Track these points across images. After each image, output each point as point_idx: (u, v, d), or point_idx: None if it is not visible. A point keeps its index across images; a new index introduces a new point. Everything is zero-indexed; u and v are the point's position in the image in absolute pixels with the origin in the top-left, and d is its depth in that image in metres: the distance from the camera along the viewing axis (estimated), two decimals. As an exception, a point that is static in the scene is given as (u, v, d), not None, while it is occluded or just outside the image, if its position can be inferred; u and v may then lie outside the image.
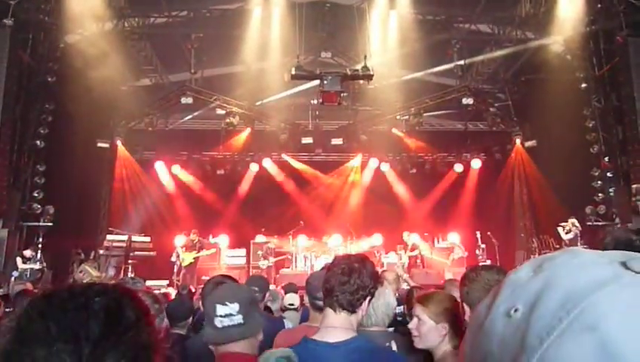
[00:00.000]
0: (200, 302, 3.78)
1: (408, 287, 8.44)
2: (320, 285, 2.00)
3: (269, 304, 4.33)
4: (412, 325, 2.21)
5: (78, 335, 0.73)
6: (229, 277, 3.26)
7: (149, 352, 0.79)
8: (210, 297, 1.99)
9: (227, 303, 1.88)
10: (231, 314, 1.87)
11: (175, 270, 12.61)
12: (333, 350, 1.78)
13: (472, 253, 13.34)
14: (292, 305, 4.26)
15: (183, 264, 12.47)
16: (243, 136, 14.92)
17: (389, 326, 2.66)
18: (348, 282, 1.87)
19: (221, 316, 1.87)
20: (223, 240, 14.16)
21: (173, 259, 12.73)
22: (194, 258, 12.58)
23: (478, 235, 13.29)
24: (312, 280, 2.74)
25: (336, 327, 1.86)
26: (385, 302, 2.56)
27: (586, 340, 0.38)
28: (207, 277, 12.70)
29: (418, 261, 13.11)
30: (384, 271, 7.06)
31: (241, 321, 1.87)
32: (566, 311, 0.39)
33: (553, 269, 0.43)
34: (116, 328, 0.76)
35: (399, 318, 4.30)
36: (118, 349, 0.75)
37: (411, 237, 13.16)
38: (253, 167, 15.50)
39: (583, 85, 12.81)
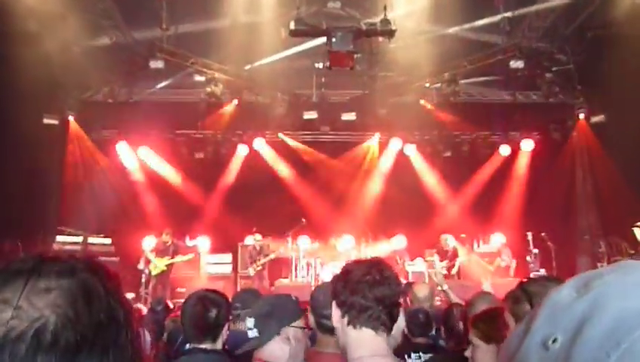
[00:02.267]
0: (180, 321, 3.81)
1: (439, 301, 8.44)
2: (329, 301, 2.06)
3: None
4: (468, 353, 2.29)
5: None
6: (215, 291, 3.33)
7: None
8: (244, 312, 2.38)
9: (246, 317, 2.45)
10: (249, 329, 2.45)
11: (143, 280, 12.77)
12: None
13: (522, 259, 13.42)
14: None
15: (153, 272, 12.61)
16: (228, 109, 14.93)
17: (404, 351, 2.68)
18: (386, 290, 1.92)
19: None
20: (203, 242, 14.34)
21: (141, 266, 12.88)
22: (167, 265, 12.74)
23: (530, 237, 13.34)
24: (318, 295, 2.80)
25: (386, 357, 1.91)
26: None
27: None
28: (183, 289, 12.83)
29: (453, 271, 13.26)
30: (411, 283, 7.03)
31: (256, 335, 2.44)
32: (615, 343, 0.39)
33: (601, 289, 0.43)
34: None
35: (434, 341, 4.42)
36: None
37: (450, 241, 13.27)
38: (242, 150, 15.58)
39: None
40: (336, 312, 1.97)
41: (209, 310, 2.99)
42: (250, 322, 2.62)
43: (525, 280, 2.30)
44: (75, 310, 0.87)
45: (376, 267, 1.99)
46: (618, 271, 0.44)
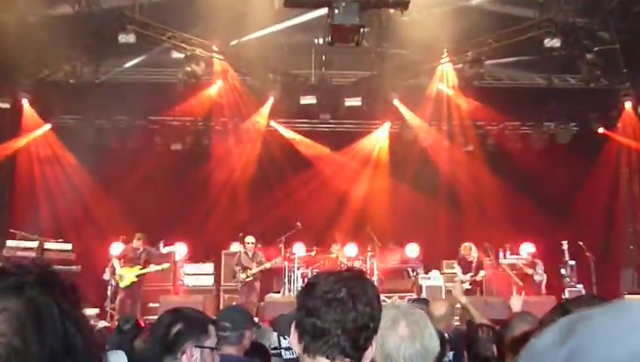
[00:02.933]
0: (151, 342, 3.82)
1: (457, 320, 8.27)
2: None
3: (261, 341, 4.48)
4: None
5: None
6: (194, 311, 3.28)
7: None
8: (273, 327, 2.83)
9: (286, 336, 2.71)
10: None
11: (109, 293, 12.80)
12: None
13: (555, 272, 13.50)
14: (288, 349, 4.24)
15: (122, 284, 12.63)
16: (211, 92, 14.89)
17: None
18: (351, 311, 1.92)
19: (285, 348, 2.85)
20: (180, 249, 14.32)
21: (107, 276, 12.90)
22: (137, 276, 12.76)
23: (565, 246, 13.46)
24: (283, 323, 3.08)
25: None
26: (423, 348, 2.45)
27: None
28: (156, 304, 12.76)
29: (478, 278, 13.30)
30: (424, 299, 7.19)
31: None
32: None
33: (586, 335, 0.46)
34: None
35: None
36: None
37: (473, 251, 13.34)
38: (227, 141, 15.65)
39: None
40: (295, 336, 1.98)
41: (172, 325, 2.98)
42: None
43: (566, 299, 2.39)
44: (23, 338, 0.87)
45: (345, 281, 1.96)
46: (609, 313, 0.46)
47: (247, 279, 13.02)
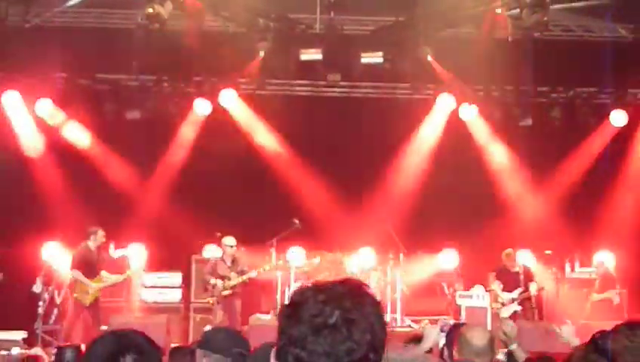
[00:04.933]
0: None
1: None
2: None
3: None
4: None
5: None
6: (142, 335, 3.20)
7: None
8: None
9: None
10: None
11: (40, 310, 12.88)
12: None
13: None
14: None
15: (86, 301, 12.92)
16: (181, 42, 14.43)
17: None
18: (345, 341, 1.92)
19: None
20: (136, 253, 14.42)
21: (38, 288, 12.97)
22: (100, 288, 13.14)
23: None
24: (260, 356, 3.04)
25: None
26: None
27: None
28: (105, 327, 12.81)
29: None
30: (460, 324, 6.97)
31: None
32: None
33: None
34: None
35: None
36: None
37: (519, 259, 13.48)
38: (201, 107, 15.57)
39: None
40: None
41: (123, 355, 2.93)
42: None
43: (601, 332, 2.36)
44: None
45: (338, 301, 1.96)
46: None
47: (225, 293, 13.02)
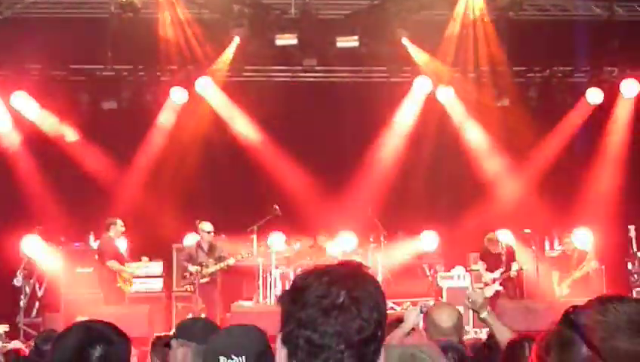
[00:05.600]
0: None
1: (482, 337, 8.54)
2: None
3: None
4: None
5: None
6: (110, 325, 3.26)
7: None
8: (213, 345, 3.22)
9: (233, 357, 3.07)
10: None
11: (22, 303, 12.93)
12: None
13: (619, 267, 13.73)
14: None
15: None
16: (155, 31, 14.67)
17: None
18: (355, 320, 1.95)
19: None
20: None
21: (19, 281, 12.92)
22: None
23: (633, 233, 13.61)
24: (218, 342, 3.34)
25: None
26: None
27: None
28: (85, 318, 12.93)
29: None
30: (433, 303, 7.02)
31: None
32: None
33: None
34: None
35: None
36: None
37: (502, 239, 13.50)
38: (177, 95, 15.50)
39: None
40: (281, 353, 2.02)
41: (92, 346, 2.99)
42: None
43: (573, 307, 2.33)
44: None
45: (343, 281, 1.99)
46: None
47: (203, 281, 12.88)
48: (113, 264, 12.97)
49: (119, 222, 13.26)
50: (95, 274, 13.34)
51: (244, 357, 3.09)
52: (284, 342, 2.01)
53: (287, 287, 2.09)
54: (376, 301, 1.99)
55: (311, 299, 1.96)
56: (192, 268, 12.95)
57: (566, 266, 13.84)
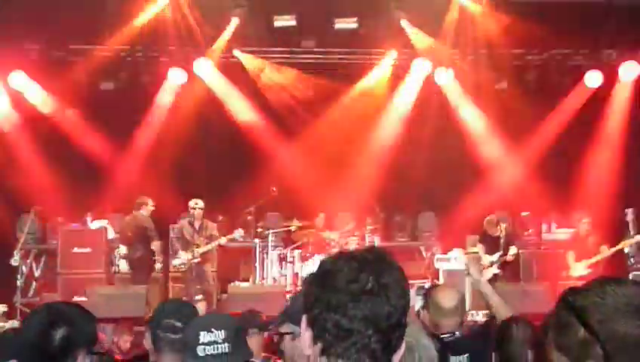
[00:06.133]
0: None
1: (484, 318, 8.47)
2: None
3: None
4: None
5: None
6: (76, 306, 3.38)
7: None
8: (193, 323, 3.43)
9: (213, 330, 3.27)
10: (216, 342, 3.26)
11: (19, 283, 12.98)
12: None
13: (616, 252, 13.50)
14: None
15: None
16: (153, 11, 14.64)
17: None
18: (385, 306, 1.99)
19: (204, 343, 3.25)
20: (113, 224, 14.46)
21: (16, 260, 13.02)
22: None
23: (630, 217, 13.49)
24: (294, 307, 3.24)
25: None
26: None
27: None
28: (83, 299, 12.84)
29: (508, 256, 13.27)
30: (437, 286, 7.04)
31: (227, 351, 3.26)
32: None
33: None
34: None
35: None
36: None
37: (502, 222, 13.37)
38: (176, 76, 15.48)
39: None
40: (306, 335, 2.05)
41: (54, 328, 3.02)
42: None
43: (570, 288, 2.28)
44: None
45: (372, 267, 2.02)
46: None
47: (194, 261, 12.72)
48: (157, 245, 13.10)
49: (150, 201, 13.26)
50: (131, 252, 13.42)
51: (223, 331, 3.27)
52: (311, 324, 2.04)
53: (315, 271, 2.12)
54: (403, 288, 2.03)
55: (340, 284, 1.99)
56: (182, 256, 12.89)
57: (581, 247, 13.73)
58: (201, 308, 7.86)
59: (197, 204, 12.90)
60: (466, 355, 4.48)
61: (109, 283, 13.61)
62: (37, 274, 14.16)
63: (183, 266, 12.98)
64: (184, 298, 11.56)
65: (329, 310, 1.99)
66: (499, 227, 13.34)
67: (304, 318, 2.07)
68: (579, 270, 13.30)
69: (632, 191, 14.53)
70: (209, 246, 12.90)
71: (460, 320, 4.97)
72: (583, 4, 15.19)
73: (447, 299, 5.02)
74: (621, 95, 15.75)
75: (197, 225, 12.97)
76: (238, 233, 13.29)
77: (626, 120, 15.58)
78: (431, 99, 15.75)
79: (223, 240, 12.99)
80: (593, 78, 15.61)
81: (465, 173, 15.24)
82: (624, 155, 15.34)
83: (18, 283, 12.97)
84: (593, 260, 13.30)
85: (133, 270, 13.22)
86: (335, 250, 12.97)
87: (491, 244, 13.37)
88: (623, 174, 15.02)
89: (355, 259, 2.04)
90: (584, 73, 15.65)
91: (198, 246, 12.79)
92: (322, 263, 2.11)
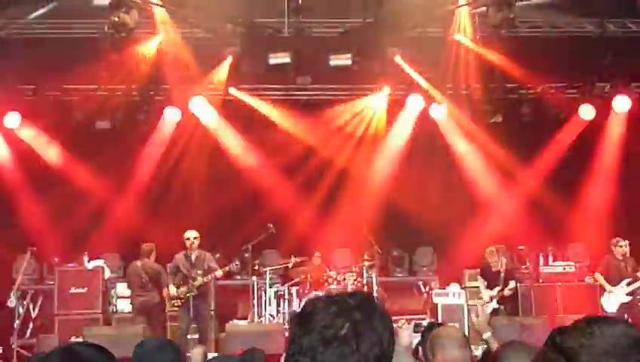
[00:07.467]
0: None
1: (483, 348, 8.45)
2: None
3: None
4: None
5: None
6: (97, 347, 3.06)
7: None
8: None
9: None
10: None
11: (16, 324, 12.92)
12: None
13: (612, 283, 13.45)
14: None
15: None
16: (148, 51, 14.67)
17: None
18: (353, 354, 1.97)
19: None
20: (109, 263, 14.41)
21: (12, 302, 12.88)
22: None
23: (626, 249, 13.29)
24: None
25: None
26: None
27: None
28: (79, 339, 12.68)
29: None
30: (435, 324, 7.16)
31: None
32: None
33: None
34: None
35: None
36: None
37: (502, 256, 13.37)
38: (171, 115, 15.51)
39: None
40: None
41: None
42: None
43: (559, 328, 2.27)
44: None
45: (350, 313, 2.03)
46: None
47: (190, 294, 12.31)
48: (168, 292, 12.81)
49: (154, 247, 13.18)
50: (145, 301, 13.13)
51: None
52: None
53: (297, 310, 2.12)
54: (380, 336, 2.02)
55: (315, 327, 2.01)
56: (173, 290, 12.48)
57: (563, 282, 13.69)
58: (199, 357, 7.62)
59: (192, 235, 12.58)
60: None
61: (106, 323, 13.51)
62: (34, 314, 14.12)
63: (178, 301, 12.57)
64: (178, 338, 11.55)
65: (300, 352, 2.00)
66: (499, 262, 13.28)
67: (282, 358, 2.13)
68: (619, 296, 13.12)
69: (628, 222, 14.45)
70: (204, 279, 12.47)
71: (469, 354, 4.87)
72: (577, 40, 15.33)
73: (451, 344, 4.83)
74: (615, 128, 15.81)
75: (193, 257, 12.56)
76: (235, 265, 13.08)
77: (619, 152, 15.62)
78: (426, 134, 15.77)
79: (219, 273, 12.66)
80: (586, 111, 15.65)
81: (462, 207, 15.27)
82: (619, 187, 15.37)
83: (15, 324, 12.86)
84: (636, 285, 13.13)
85: (149, 316, 12.95)
86: (333, 286, 13.03)
87: (491, 279, 13.32)
88: (619, 206, 15.02)
89: (336, 303, 2.05)
90: (578, 106, 15.70)
91: (194, 279, 12.39)
92: (305, 304, 2.13)
